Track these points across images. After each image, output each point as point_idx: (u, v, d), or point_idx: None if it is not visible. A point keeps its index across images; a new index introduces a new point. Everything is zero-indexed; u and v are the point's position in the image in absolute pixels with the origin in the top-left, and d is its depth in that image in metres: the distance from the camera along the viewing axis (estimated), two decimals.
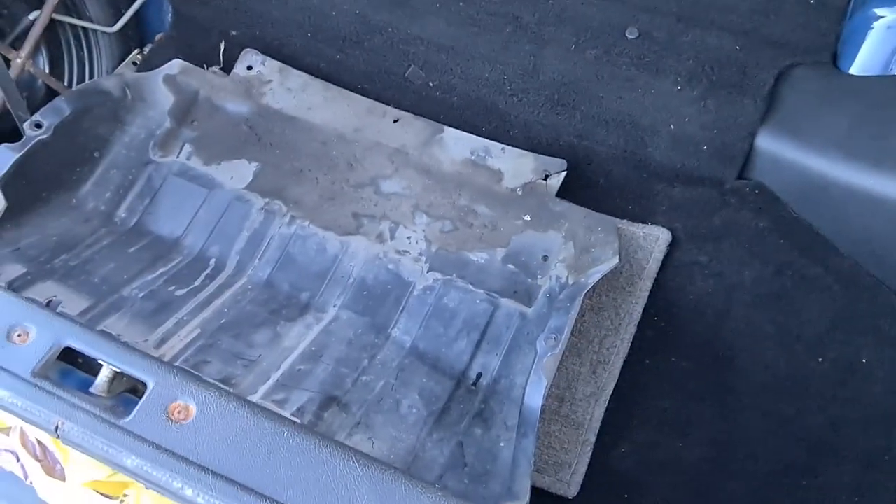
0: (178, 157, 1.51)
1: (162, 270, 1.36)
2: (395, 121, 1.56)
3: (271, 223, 1.43)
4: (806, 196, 1.34)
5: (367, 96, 1.58)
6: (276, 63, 1.62)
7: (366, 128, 1.55)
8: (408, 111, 1.55)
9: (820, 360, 1.32)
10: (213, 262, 1.41)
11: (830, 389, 1.30)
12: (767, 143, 1.35)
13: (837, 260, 1.35)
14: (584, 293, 1.21)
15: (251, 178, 1.49)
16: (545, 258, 1.37)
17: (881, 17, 1.35)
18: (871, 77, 1.36)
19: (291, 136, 1.54)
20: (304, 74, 1.61)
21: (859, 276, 1.35)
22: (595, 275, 1.26)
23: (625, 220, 1.43)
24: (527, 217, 1.42)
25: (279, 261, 1.40)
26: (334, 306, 1.36)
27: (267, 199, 1.45)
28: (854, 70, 1.38)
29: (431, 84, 1.54)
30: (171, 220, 1.44)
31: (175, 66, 1.59)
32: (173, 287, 1.34)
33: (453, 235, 1.42)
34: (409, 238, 1.42)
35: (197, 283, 1.36)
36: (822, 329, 1.33)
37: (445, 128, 1.52)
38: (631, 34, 1.48)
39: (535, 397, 1.12)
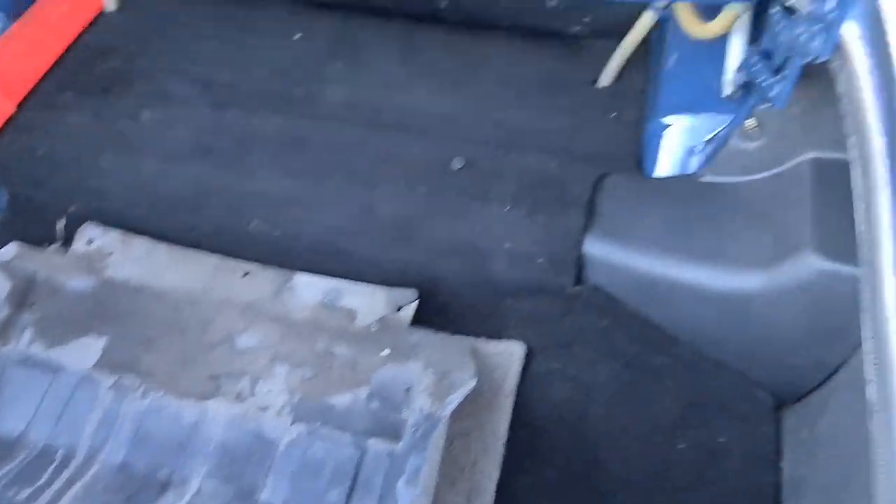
0: (17, 344, 1.45)
1: (1, 474, 1.27)
2: (244, 275, 1.56)
3: (123, 400, 1.38)
4: (637, 292, 1.44)
5: (214, 254, 1.59)
6: (118, 233, 1.61)
7: (215, 286, 1.55)
8: (256, 263, 1.57)
9: (680, 445, 1.37)
10: (60, 453, 1.33)
11: (694, 473, 1.35)
12: (594, 248, 1.45)
13: (679, 347, 1.44)
14: (440, 425, 1.22)
15: (99, 356, 1.44)
16: (408, 390, 1.38)
17: (669, 124, 1.52)
18: (671, 178, 1.51)
19: (139, 305, 1.52)
20: (147, 241, 1.60)
21: (702, 359, 1.44)
22: (453, 401, 1.28)
23: (480, 340, 1.48)
24: (385, 351, 1.44)
25: (134, 440, 1.34)
26: (197, 478, 1.31)
27: (117, 376, 1.40)
28: (657, 174, 1.53)
29: (276, 234, 1.57)
30: (11, 417, 1.36)
31: (9, 251, 1.55)
32: (15, 490, 1.24)
33: (314, 382, 1.42)
34: (269, 391, 1.40)
35: (42, 480, 1.28)
36: (676, 415, 1.40)
37: (295, 274, 1.54)
38: (457, 165, 1.59)
39: None
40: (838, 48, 1.01)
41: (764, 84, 1.15)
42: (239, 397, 1.40)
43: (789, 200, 1.30)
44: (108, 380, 1.40)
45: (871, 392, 0.83)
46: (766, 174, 1.36)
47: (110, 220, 1.62)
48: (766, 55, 1.16)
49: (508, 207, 1.53)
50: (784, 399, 1.42)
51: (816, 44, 0.95)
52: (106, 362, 1.42)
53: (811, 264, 1.20)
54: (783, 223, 1.28)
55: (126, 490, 1.28)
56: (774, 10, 1.13)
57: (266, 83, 1.78)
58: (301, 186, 1.60)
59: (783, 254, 1.24)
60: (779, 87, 1.09)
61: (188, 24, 1.93)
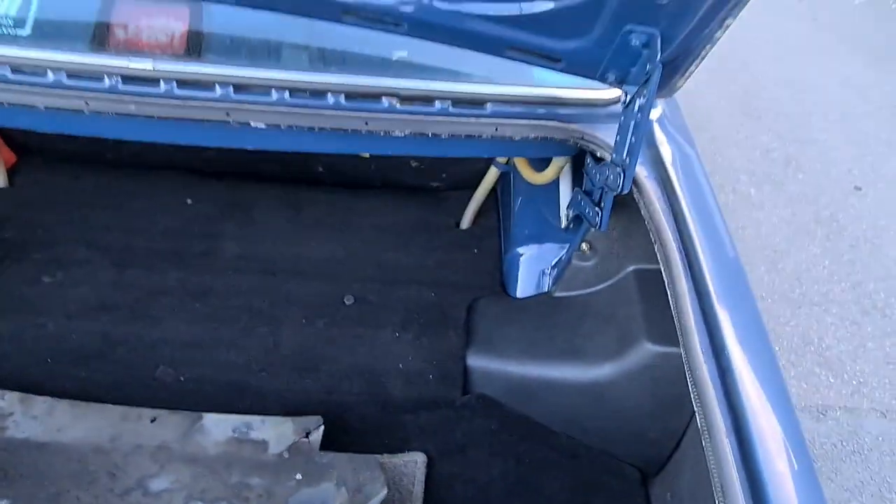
0: None
1: None
2: (152, 420, 1.62)
3: None
4: (516, 395, 1.68)
5: (121, 405, 1.64)
6: (16, 394, 1.62)
7: (123, 434, 1.59)
8: (164, 408, 1.64)
9: None
10: None
11: None
12: (475, 361, 1.69)
13: (557, 439, 1.67)
14: None
15: None
16: None
17: (522, 254, 1.85)
18: (530, 297, 1.81)
19: (43, 463, 1.52)
20: (48, 398, 1.62)
21: (577, 446, 1.67)
22: None
23: (385, 455, 1.62)
24: (298, 476, 1.54)
25: None
26: None
27: None
28: (518, 295, 1.83)
29: (183, 378, 1.66)
30: None
31: None
32: None
33: None
34: None
35: None
36: (563, 496, 1.60)
37: (204, 415, 1.63)
38: (348, 301, 1.80)
39: None
40: (636, 184, 1.39)
41: (589, 214, 1.50)
42: None
43: (623, 304, 1.62)
44: None
45: (707, 450, 1.07)
46: (602, 285, 1.69)
47: (8, 382, 1.64)
48: (588, 193, 1.52)
49: (398, 334, 1.75)
50: (649, 471, 1.67)
51: (619, 183, 1.30)
52: None
53: (647, 350, 1.50)
54: (621, 322, 1.59)
55: None
56: (588, 160, 1.50)
57: (162, 243, 1.93)
58: (204, 332, 1.72)
59: (625, 345, 1.54)
60: (599, 216, 1.44)
61: (82, 196, 2.06)
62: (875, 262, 3.38)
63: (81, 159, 2.10)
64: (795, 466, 1.02)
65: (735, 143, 4.14)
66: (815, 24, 5.74)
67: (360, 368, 1.69)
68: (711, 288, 1.20)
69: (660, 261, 1.29)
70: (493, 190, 2.09)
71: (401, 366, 1.69)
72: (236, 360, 1.69)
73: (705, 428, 1.08)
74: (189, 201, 2.08)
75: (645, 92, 1.18)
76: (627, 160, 1.27)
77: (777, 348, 2.90)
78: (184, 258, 1.89)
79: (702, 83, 4.62)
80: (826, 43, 5.45)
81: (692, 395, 1.14)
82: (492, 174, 2.02)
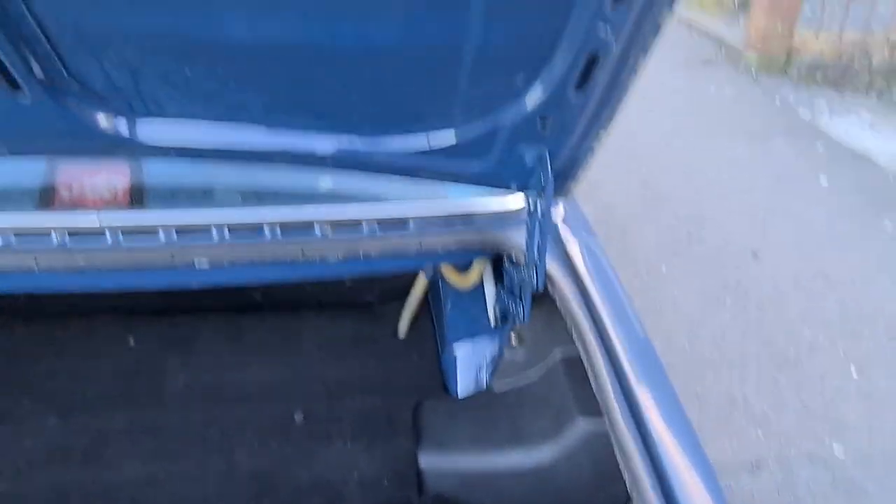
0: None
1: None
2: None
3: None
4: (470, 489, 1.76)
5: None
6: None
7: None
8: None
9: None
10: None
11: None
12: (427, 461, 1.77)
13: None
14: None
15: None
16: None
17: (458, 353, 1.97)
18: (471, 395, 1.93)
19: None
20: None
21: None
22: None
23: None
24: None
25: None
26: None
27: None
28: (460, 393, 1.95)
29: None
30: None
31: None
32: None
33: None
34: None
35: None
36: None
37: None
38: (298, 418, 1.87)
39: None
40: (549, 279, 1.56)
41: (512, 310, 1.65)
42: None
43: (555, 387, 1.76)
44: None
45: None
46: (534, 373, 1.83)
47: None
48: (510, 291, 1.69)
49: (349, 444, 1.82)
50: None
51: (534, 281, 1.47)
52: None
53: (581, 426, 1.63)
54: (555, 404, 1.72)
55: None
56: (506, 262, 1.67)
57: (108, 385, 1.96)
58: (159, 468, 1.75)
59: (561, 425, 1.67)
60: (521, 311, 1.59)
61: (22, 345, 2.08)
62: (781, 319, 3.67)
63: (18, 313, 2.13)
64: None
65: (640, 227, 4.48)
66: (697, 115, 6.36)
67: (317, 483, 1.74)
68: (626, 366, 1.34)
69: (578, 346, 1.44)
70: (424, 298, 2.24)
71: (356, 475, 1.75)
72: (194, 494, 1.71)
73: (635, 492, 1.20)
74: (132, 341, 2.13)
75: (543, 198, 1.37)
76: (538, 260, 1.44)
77: (705, 408, 3.08)
78: (131, 397, 1.92)
79: (601, 176, 5.03)
80: (705, 128, 6.04)
81: (620, 464, 1.26)
82: (421, 283, 2.17)
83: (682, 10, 9.30)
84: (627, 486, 1.22)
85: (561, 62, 1.09)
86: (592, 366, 1.37)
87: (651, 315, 3.65)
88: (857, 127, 5.99)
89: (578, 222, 1.79)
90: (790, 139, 5.79)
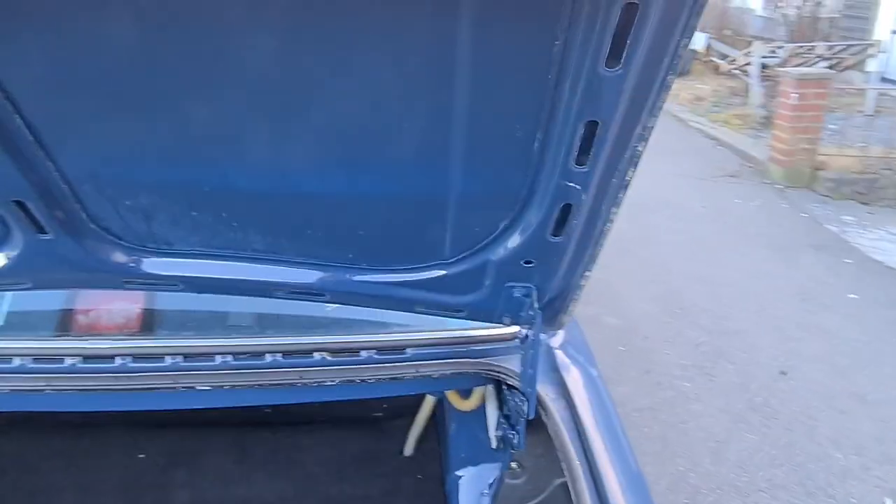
0: None
1: None
2: None
3: None
4: None
5: None
6: None
7: None
8: None
9: None
10: None
11: None
12: None
13: None
14: None
15: None
16: None
17: (461, 476, 1.96)
18: None
19: None
20: None
21: None
22: None
23: None
24: None
25: None
26: None
27: None
28: None
29: None
30: None
31: None
32: None
33: None
34: None
35: None
36: None
37: None
38: None
39: None
40: (543, 407, 1.57)
41: (509, 436, 1.66)
42: None
43: None
44: None
45: None
46: (534, 502, 1.80)
47: None
48: (507, 418, 1.70)
49: None
50: None
51: (526, 408, 1.49)
52: None
53: None
54: None
55: None
56: (503, 388, 1.70)
57: (114, 498, 1.99)
58: None
59: None
60: (517, 437, 1.60)
61: (32, 459, 2.13)
62: (811, 442, 3.53)
63: (30, 424, 2.20)
64: None
65: (665, 340, 4.44)
66: (723, 228, 6.41)
67: None
68: (613, 499, 1.33)
69: (566, 475, 1.43)
70: (433, 416, 2.25)
71: None
72: None
73: None
74: (140, 454, 2.17)
75: (532, 331, 1.41)
76: (528, 390, 1.46)
77: None
78: None
79: (628, 288, 5.05)
80: (731, 240, 6.06)
81: None
82: (429, 402, 2.19)
83: (707, 126, 9.56)
84: None
85: (537, 211, 1.16)
86: (578, 497, 1.36)
87: (674, 434, 3.56)
88: (885, 241, 5.94)
89: (578, 349, 1.81)
90: (818, 253, 5.76)
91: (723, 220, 6.54)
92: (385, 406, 2.37)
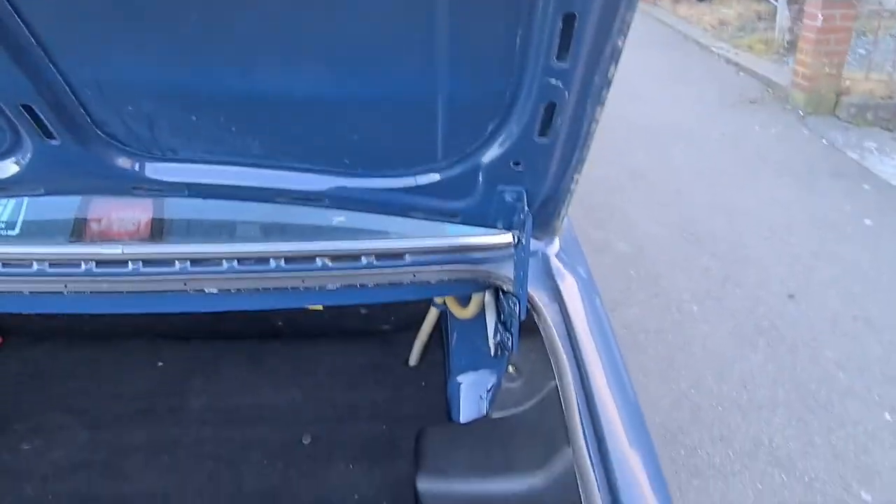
0: None
1: None
2: None
3: None
4: None
5: None
6: None
7: None
8: None
9: None
10: None
11: None
12: (424, 485, 1.84)
13: None
14: None
15: None
16: None
17: (461, 381, 2.05)
18: (472, 421, 2.00)
19: None
20: None
21: None
22: None
23: None
24: None
25: None
26: None
27: None
28: (462, 420, 2.02)
29: None
30: None
31: None
32: None
33: None
34: None
35: None
36: None
37: None
38: (306, 440, 1.98)
39: None
40: (536, 310, 1.63)
41: (505, 340, 1.73)
42: None
43: (548, 418, 1.81)
44: None
45: None
46: (530, 403, 1.89)
47: None
48: (503, 324, 1.77)
49: (352, 466, 1.91)
50: None
51: (518, 311, 1.55)
52: None
53: (568, 457, 1.67)
54: (548, 434, 1.77)
55: None
56: (500, 294, 1.76)
57: (134, 403, 2.12)
58: (173, 483, 1.87)
59: (551, 454, 1.72)
60: (511, 340, 1.67)
61: (61, 368, 2.26)
62: (815, 363, 3.60)
63: (61, 336, 2.32)
64: None
65: (676, 265, 4.47)
66: (742, 155, 6.32)
67: (318, 502, 1.83)
68: (599, 401, 1.39)
69: (556, 377, 1.50)
70: (437, 329, 2.33)
71: (356, 496, 1.83)
72: None
73: None
74: (160, 364, 2.29)
75: (524, 234, 1.46)
76: (520, 292, 1.52)
77: (730, 452, 3.04)
78: (153, 415, 2.07)
79: (640, 214, 5.05)
80: (748, 168, 5.99)
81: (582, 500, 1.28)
82: (432, 314, 2.27)
83: (730, 52, 9.30)
84: None
85: (522, 111, 1.19)
86: (566, 397, 1.43)
87: (680, 355, 3.64)
88: None
89: (573, 258, 1.86)
90: (836, 180, 5.69)
91: (740, 148, 6.45)
92: (391, 319, 2.46)
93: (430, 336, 2.32)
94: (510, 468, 1.80)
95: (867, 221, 5.02)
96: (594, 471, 1.26)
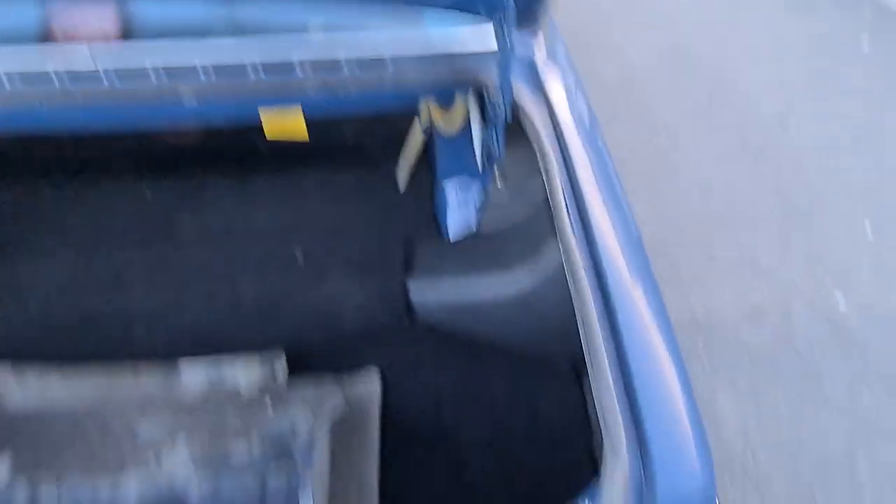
0: None
1: None
2: (133, 375, 1.82)
3: (39, 500, 1.55)
4: (456, 319, 1.89)
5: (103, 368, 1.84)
6: (7, 365, 1.80)
7: (109, 391, 1.79)
8: (144, 369, 1.84)
9: (513, 417, 1.79)
10: None
11: (525, 433, 1.76)
12: (416, 295, 1.90)
13: (497, 351, 1.89)
14: (320, 441, 1.56)
15: (8, 476, 1.60)
16: (294, 431, 1.68)
17: (449, 198, 2.06)
18: (462, 237, 2.03)
19: (37, 427, 1.71)
20: (36, 369, 1.81)
21: (516, 355, 1.89)
22: (328, 419, 1.62)
23: (344, 377, 1.83)
24: (269, 406, 1.75)
25: None
26: None
27: (29, 483, 1.57)
28: (451, 236, 2.05)
29: (158, 342, 1.87)
30: None
31: None
32: None
33: (213, 445, 1.68)
34: (174, 461, 1.64)
35: None
36: (506, 398, 1.82)
37: (179, 360, 1.82)
38: (298, 255, 2.01)
39: None
40: (523, 113, 1.60)
41: (491, 146, 1.71)
42: (147, 470, 1.63)
43: (538, 225, 1.84)
44: (22, 490, 1.57)
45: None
46: (519, 214, 1.91)
47: (4, 357, 1.83)
48: (488, 127, 1.74)
49: (345, 278, 1.96)
50: (581, 369, 1.89)
51: (503, 105, 1.52)
52: (15, 477, 1.60)
53: (557, 256, 1.72)
54: (536, 238, 1.81)
55: None
56: (485, 98, 1.72)
57: (126, 228, 2.13)
58: (171, 298, 1.92)
59: (539, 254, 1.76)
60: (496, 144, 1.65)
61: (51, 198, 2.25)
62: (800, 179, 3.63)
63: (45, 168, 2.28)
64: (660, 336, 1.15)
65: (665, 90, 4.38)
66: None
67: (315, 311, 1.90)
68: (588, 196, 1.37)
69: (543, 175, 1.49)
70: (426, 151, 2.30)
71: (350, 304, 1.89)
72: (203, 319, 1.89)
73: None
74: (146, 190, 2.28)
75: (507, 22, 1.40)
76: (505, 85, 1.48)
77: (712, 264, 3.14)
78: (145, 237, 2.08)
79: (630, 40, 4.87)
80: None
81: (574, 301, 1.29)
82: (418, 135, 2.23)
83: None
84: (577, 320, 1.23)
85: None
86: (553, 195, 1.42)
87: (665, 175, 3.65)
88: None
89: (560, 59, 1.80)
90: (835, 3, 5.45)
91: None
92: (381, 141, 2.42)
93: (418, 164, 2.29)
94: (500, 271, 1.85)
95: (864, 45, 4.87)
96: (583, 263, 1.26)
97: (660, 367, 1.10)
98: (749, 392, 2.63)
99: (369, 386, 1.81)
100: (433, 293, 1.91)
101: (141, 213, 2.19)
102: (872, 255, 3.20)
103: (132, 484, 1.57)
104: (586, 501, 1.02)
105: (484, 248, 1.93)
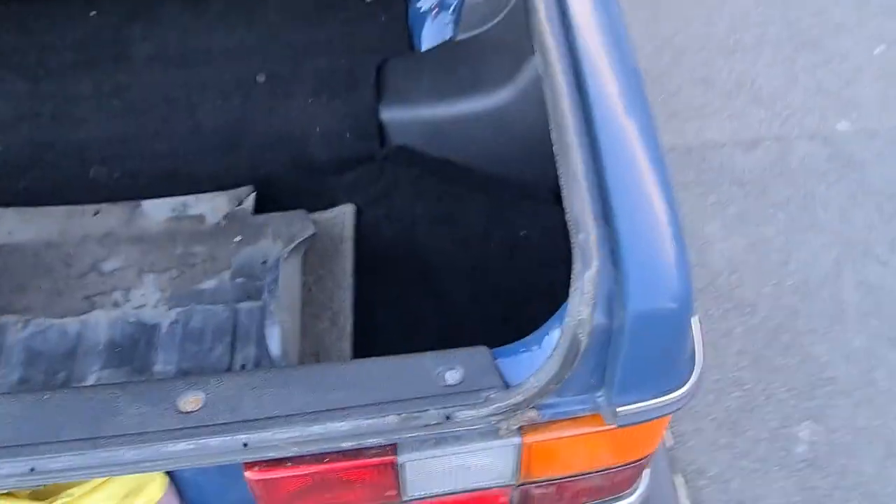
0: None
1: None
2: (94, 214, 1.73)
3: (6, 334, 1.52)
4: (431, 139, 1.77)
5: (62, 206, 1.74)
6: None
7: (70, 228, 1.70)
8: (105, 203, 1.74)
9: (490, 244, 1.72)
10: None
11: (503, 261, 1.69)
12: (388, 114, 1.76)
13: (474, 174, 1.78)
14: (288, 264, 1.49)
15: None
16: (264, 262, 1.62)
17: (422, 6, 1.86)
18: (435, 48, 1.86)
19: (1, 263, 1.65)
20: None
21: (493, 177, 1.78)
22: (295, 242, 1.54)
23: (316, 213, 1.74)
24: (237, 238, 1.67)
25: (25, 360, 1.49)
26: (93, 373, 1.48)
27: None
28: (424, 47, 1.88)
29: (116, 175, 1.76)
30: None
31: None
32: None
33: (182, 278, 1.62)
34: (142, 294, 1.59)
35: None
36: (484, 222, 1.74)
37: (142, 202, 1.73)
38: (261, 79, 1.85)
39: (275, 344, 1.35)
40: None
41: None
42: (115, 305, 1.58)
43: (515, 31, 1.66)
44: None
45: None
46: (496, 19, 1.72)
47: None
48: None
49: (311, 100, 1.81)
50: (560, 191, 1.79)
51: None
52: None
53: (535, 69, 1.57)
54: (514, 47, 1.64)
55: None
56: None
57: (73, 54, 1.95)
58: (127, 126, 1.79)
59: (517, 66, 1.61)
60: None
61: None
62: (809, 1, 3.36)
63: None
64: (637, 133, 1.03)
65: None
66: None
67: (280, 137, 1.77)
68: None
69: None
70: None
71: (318, 129, 1.76)
72: (162, 148, 1.77)
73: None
74: (93, 13, 2.07)
75: None
76: None
77: (711, 94, 2.98)
78: (96, 64, 1.91)
79: None
80: None
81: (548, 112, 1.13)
82: None
83: None
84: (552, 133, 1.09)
85: None
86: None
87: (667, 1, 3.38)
88: None
89: None
90: None
91: None
92: None
93: None
94: (476, 87, 1.71)
95: None
96: (563, 75, 1.09)
97: (638, 169, 1.00)
98: (738, 217, 2.57)
99: (342, 217, 1.73)
100: (406, 113, 1.77)
101: (87, 37, 2.00)
102: (881, 77, 3.02)
103: (101, 322, 1.53)
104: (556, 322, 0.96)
105: (461, 62, 1.77)
